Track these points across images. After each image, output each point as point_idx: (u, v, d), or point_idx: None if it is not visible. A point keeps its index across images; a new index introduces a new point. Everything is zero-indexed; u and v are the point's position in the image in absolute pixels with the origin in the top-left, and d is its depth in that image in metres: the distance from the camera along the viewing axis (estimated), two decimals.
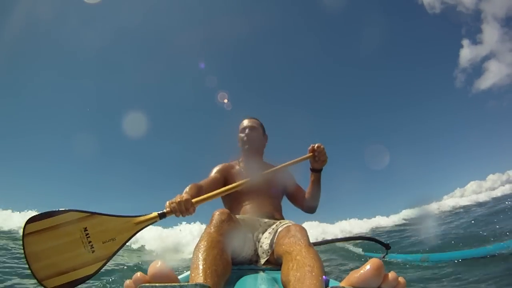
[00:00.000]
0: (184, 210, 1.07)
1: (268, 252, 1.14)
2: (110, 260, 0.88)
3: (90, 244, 0.87)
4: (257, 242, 1.25)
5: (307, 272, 0.71)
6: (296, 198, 1.64)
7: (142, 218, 0.98)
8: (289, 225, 1.07)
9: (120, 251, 0.93)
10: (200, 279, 0.70)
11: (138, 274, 0.56)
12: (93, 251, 0.87)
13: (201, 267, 0.75)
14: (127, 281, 0.56)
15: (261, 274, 0.98)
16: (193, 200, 1.12)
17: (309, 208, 1.59)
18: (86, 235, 0.87)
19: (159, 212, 1.02)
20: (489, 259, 3.34)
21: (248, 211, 1.43)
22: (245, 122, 1.79)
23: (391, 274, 0.50)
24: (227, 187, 1.30)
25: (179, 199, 1.08)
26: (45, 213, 0.88)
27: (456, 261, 3.55)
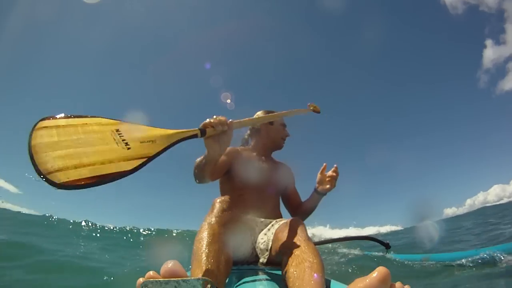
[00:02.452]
0: (223, 124, 0.93)
1: (267, 251, 1.12)
2: (152, 162, 0.71)
3: (124, 141, 0.72)
4: (254, 242, 1.23)
5: (307, 268, 0.71)
6: (288, 202, 1.60)
7: (183, 130, 0.84)
8: (288, 220, 1.04)
9: None
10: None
11: (151, 273, 0.56)
12: (128, 148, 0.70)
13: (203, 264, 0.73)
14: (140, 279, 0.56)
15: (261, 274, 0.98)
16: (230, 120, 0.99)
17: (296, 215, 1.55)
18: (119, 134, 0.74)
19: (200, 128, 0.89)
20: (488, 260, 3.34)
21: (247, 210, 1.39)
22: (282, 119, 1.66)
23: (398, 285, 0.50)
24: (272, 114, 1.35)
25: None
26: (66, 115, 0.75)
27: (456, 261, 3.55)
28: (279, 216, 1.47)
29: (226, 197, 1.02)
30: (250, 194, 1.44)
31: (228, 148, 1.57)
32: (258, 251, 1.20)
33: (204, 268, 0.71)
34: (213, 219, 0.90)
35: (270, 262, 1.12)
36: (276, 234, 1.03)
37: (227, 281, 0.87)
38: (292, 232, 0.91)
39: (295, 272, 0.72)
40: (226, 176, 1.57)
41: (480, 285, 2.72)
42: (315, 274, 0.68)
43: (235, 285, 0.87)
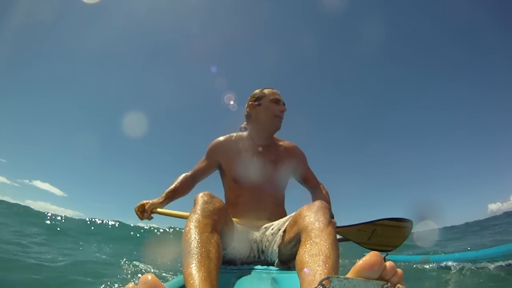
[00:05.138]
0: (140, 216, 1.35)
1: (274, 252, 1.10)
2: None
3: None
4: (253, 243, 1.21)
5: (321, 262, 0.69)
6: (304, 185, 1.57)
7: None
8: (314, 201, 0.99)
9: None
10: (194, 268, 0.68)
11: (130, 285, 0.55)
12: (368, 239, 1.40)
13: (193, 253, 0.72)
14: None
15: (262, 274, 0.97)
16: (158, 210, 1.36)
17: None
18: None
19: None
20: (489, 261, 3.34)
21: (245, 214, 1.36)
22: (277, 94, 1.47)
23: (389, 263, 0.50)
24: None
25: (136, 207, 1.36)
26: None
27: (456, 262, 3.56)
28: (283, 214, 1.40)
29: (207, 192, 1.00)
30: (245, 201, 1.39)
31: (213, 145, 1.53)
32: (256, 251, 1.18)
33: (194, 259, 0.70)
34: (198, 212, 0.89)
35: (280, 255, 1.09)
36: (300, 211, 0.97)
37: (228, 281, 0.86)
38: (316, 215, 0.87)
39: (309, 263, 0.70)
40: (221, 175, 1.55)
41: (480, 285, 2.72)
42: (327, 271, 0.66)
43: (235, 285, 0.86)
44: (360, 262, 0.49)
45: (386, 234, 1.32)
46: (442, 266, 3.69)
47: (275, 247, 1.10)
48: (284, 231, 1.08)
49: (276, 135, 1.56)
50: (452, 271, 3.39)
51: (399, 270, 0.51)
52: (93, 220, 9.29)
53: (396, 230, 1.32)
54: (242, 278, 0.91)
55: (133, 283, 0.56)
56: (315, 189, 1.55)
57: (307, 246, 0.77)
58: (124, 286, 0.56)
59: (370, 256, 0.49)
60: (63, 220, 8.90)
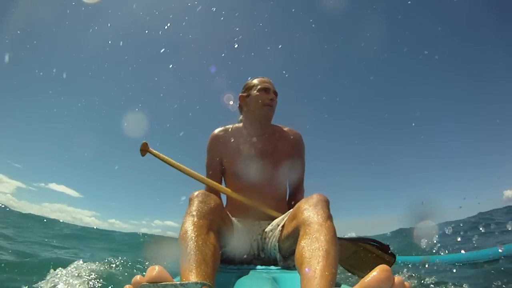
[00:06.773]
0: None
1: (274, 248, 1.10)
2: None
3: None
4: (253, 241, 1.21)
5: (322, 258, 0.68)
6: (290, 188, 1.50)
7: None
8: (313, 195, 0.97)
9: None
10: (191, 273, 0.67)
11: (138, 277, 0.55)
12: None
13: (189, 258, 0.71)
14: (127, 286, 0.55)
15: (262, 274, 0.97)
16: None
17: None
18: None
19: None
20: (489, 262, 3.33)
21: (244, 209, 1.34)
22: (266, 82, 1.42)
23: (397, 278, 0.50)
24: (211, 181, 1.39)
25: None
26: None
27: (456, 263, 3.55)
28: (283, 209, 1.35)
29: (202, 191, 0.98)
30: (245, 190, 1.35)
31: (210, 143, 1.45)
32: (256, 250, 1.18)
33: (190, 265, 0.69)
34: (193, 213, 0.87)
35: (269, 263, 1.10)
36: (299, 205, 0.95)
37: (228, 281, 0.86)
38: (315, 208, 0.86)
39: (309, 258, 0.69)
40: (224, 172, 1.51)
41: (480, 286, 2.71)
42: (327, 267, 0.65)
43: (234, 285, 0.86)
44: (368, 278, 0.49)
45: (365, 260, 1.24)
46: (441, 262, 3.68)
47: (275, 242, 1.10)
48: (283, 226, 1.07)
49: (278, 123, 1.51)
50: (453, 271, 3.39)
51: (406, 284, 0.51)
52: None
53: (377, 259, 1.24)
54: (242, 278, 0.91)
55: (140, 275, 0.56)
56: (296, 191, 1.49)
57: (307, 240, 0.76)
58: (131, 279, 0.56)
59: (379, 272, 0.48)
60: None
